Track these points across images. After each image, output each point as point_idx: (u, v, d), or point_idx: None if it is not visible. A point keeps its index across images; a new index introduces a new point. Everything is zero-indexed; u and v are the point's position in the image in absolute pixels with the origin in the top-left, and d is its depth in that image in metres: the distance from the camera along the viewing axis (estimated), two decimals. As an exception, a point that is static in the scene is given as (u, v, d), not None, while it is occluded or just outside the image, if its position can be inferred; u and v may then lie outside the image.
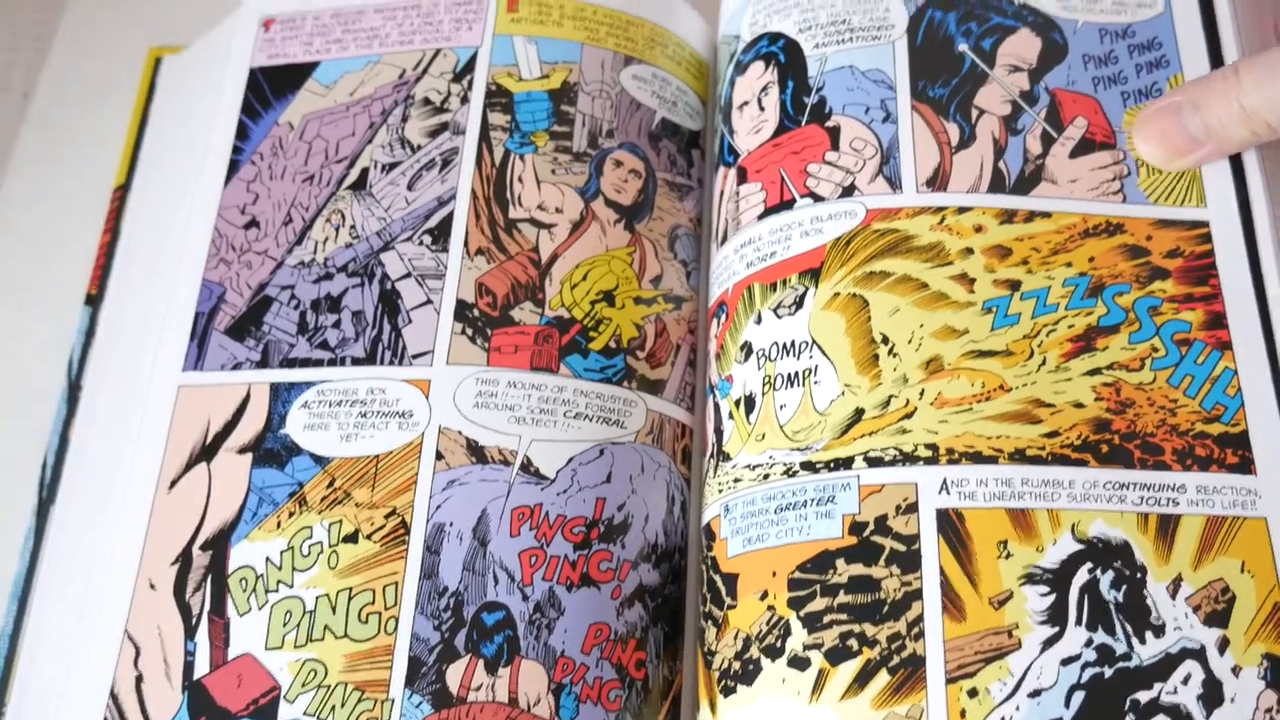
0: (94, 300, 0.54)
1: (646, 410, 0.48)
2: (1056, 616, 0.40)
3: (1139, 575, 0.40)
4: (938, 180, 0.47)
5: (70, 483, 0.50)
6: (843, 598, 0.41)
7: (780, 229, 0.48)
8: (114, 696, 0.44)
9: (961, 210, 0.46)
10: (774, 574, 0.43)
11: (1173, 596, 0.40)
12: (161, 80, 0.59)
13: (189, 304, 0.50)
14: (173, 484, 0.47)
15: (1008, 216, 0.46)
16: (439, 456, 0.46)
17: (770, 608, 0.42)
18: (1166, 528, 0.41)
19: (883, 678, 0.40)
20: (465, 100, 0.53)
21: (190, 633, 0.44)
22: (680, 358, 0.50)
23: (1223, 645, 0.39)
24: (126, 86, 0.60)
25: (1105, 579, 0.40)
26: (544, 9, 0.54)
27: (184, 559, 0.46)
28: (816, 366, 0.45)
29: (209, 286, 0.51)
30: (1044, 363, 0.44)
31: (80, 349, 0.53)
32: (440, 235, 0.50)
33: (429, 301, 0.49)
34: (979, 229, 0.46)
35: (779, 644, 0.42)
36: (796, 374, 0.45)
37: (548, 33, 0.54)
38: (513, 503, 0.45)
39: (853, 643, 0.41)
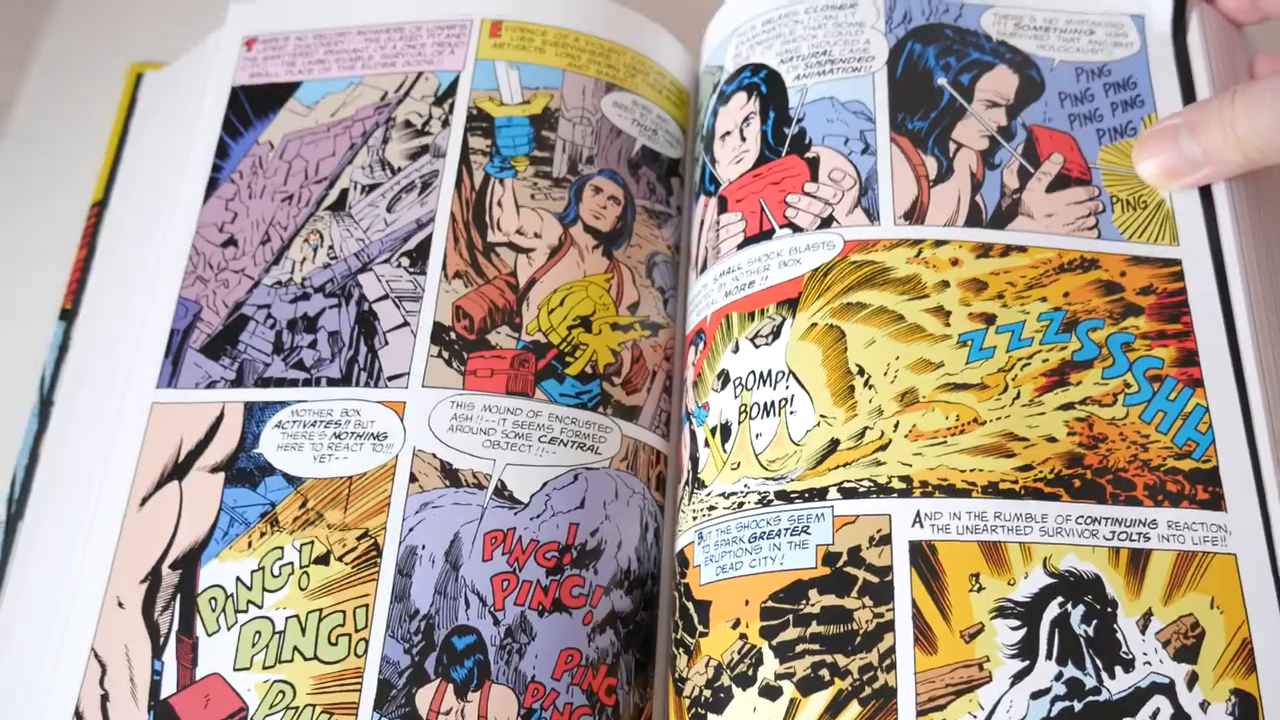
0: (68, 315, 0.54)
1: (621, 436, 0.48)
2: (1027, 650, 0.40)
3: (1110, 610, 0.41)
4: (915, 213, 0.47)
5: (39, 499, 0.50)
6: (815, 628, 0.41)
7: (759, 259, 0.48)
8: (79, 715, 0.43)
9: (938, 243, 0.47)
10: (747, 603, 0.43)
11: (1143, 631, 0.40)
12: (142, 97, 0.59)
13: (164, 321, 0.50)
14: (143, 502, 0.47)
15: (984, 250, 0.46)
16: (413, 479, 0.46)
17: (742, 636, 0.42)
18: (1137, 563, 0.41)
19: (854, 709, 0.40)
20: (446, 124, 0.53)
21: (158, 652, 0.44)
22: (656, 384, 0.50)
23: (1191, 680, 0.39)
24: (107, 102, 0.60)
25: (1076, 613, 0.40)
26: (526, 35, 0.54)
27: (153, 577, 0.45)
28: (792, 396, 0.45)
29: (185, 304, 0.50)
30: (1018, 396, 0.44)
31: (53, 364, 0.53)
32: (418, 258, 0.50)
33: (406, 324, 0.49)
34: (955, 262, 0.46)
35: (750, 673, 0.42)
36: (772, 403, 0.45)
37: (530, 58, 0.54)
38: (486, 527, 0.45)
39: (824, 673, 0.41)
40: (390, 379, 0.48)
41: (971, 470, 0.43)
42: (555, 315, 0.49)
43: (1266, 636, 0.40)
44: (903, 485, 0.43)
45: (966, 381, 0.44)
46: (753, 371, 0.46)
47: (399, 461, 0.46)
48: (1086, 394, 0.44)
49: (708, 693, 0.43)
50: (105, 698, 0.44)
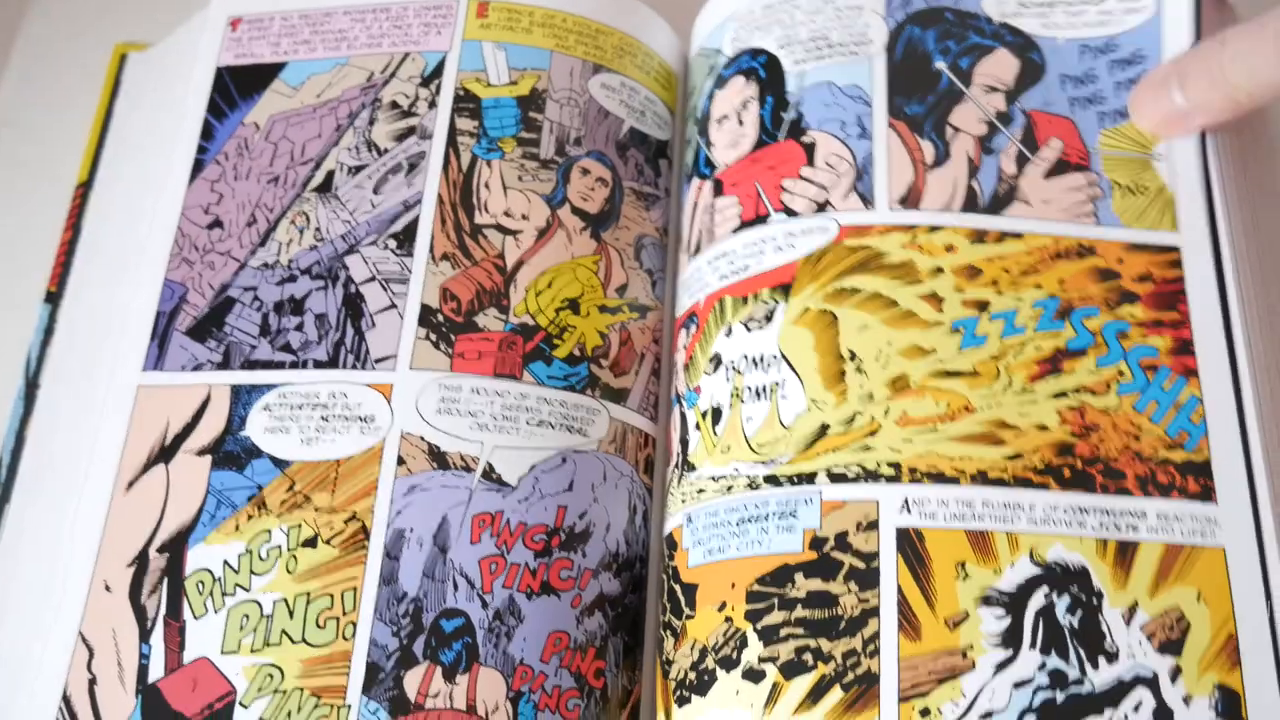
0: (53, 298, 0.54)
1: (609, 419, 0.48)
2: (1011, 639, 0.40)
3: (1095, 601, 0.40)
4: (910, 198, 0.47)
5: (26, 482, 0.49)
6: (800, 612, 0.41)
7: (754, 243, 0.48)
8: (66, 699, 0.43)
9: (933, 229, 0.46)
10: (733, 586, 0.43)
11: (1127, 623, 0.40)
12: (126, 77, 0.59)
13: (150, 303, 0.50)
14: (130, 485, 0.47)
15: (979, 236, 0.46)
16: (400, 462, 0.46)
17: (728, 619, 0.42)
18: (1125, 554, 0.41)
19: (836, 694, 0.40)
20: (433, 105, 0.52)
21: (145, 635, 0.44)
22: (644, 367, 0.50)
23: (1175, 674, 0.39)
24: (90, 86, 0.60)
25: (1061, 603, 0.40)
26: (514, 15, 0.54)
27: (140, 561, 0.45)
28: (784, 381, 0.45)
29: (171, 286, 0.50)
30: (1010, 384, 0.44)
31: (39, 347, 0.52)
32: (405, 239, 0.50)
33: (393, 306, 0.48)
34: (950, 248, 0.46)
35: (735, 656, 0.42)
36: (764, 387, 0.45)
37: (517, 39, 0.54)
38: (474, 509, 0.45)
39: (808, 657, 0.41)
40: (377, 361, 0.47)
41: (960, 458, 0.43)
42: (543, 297, 0.49)
43: (1252, 631, 0.40)
44: (891, 471, 0.43)
45: (959, 369, 0.44)
46: (745, 355, 0.46)
47: (386, 444, 0.46)
48: (1080, 383, 0.44)
49: (693, 675, 0.43)
50: (93, 681, 0.44)
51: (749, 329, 0.46)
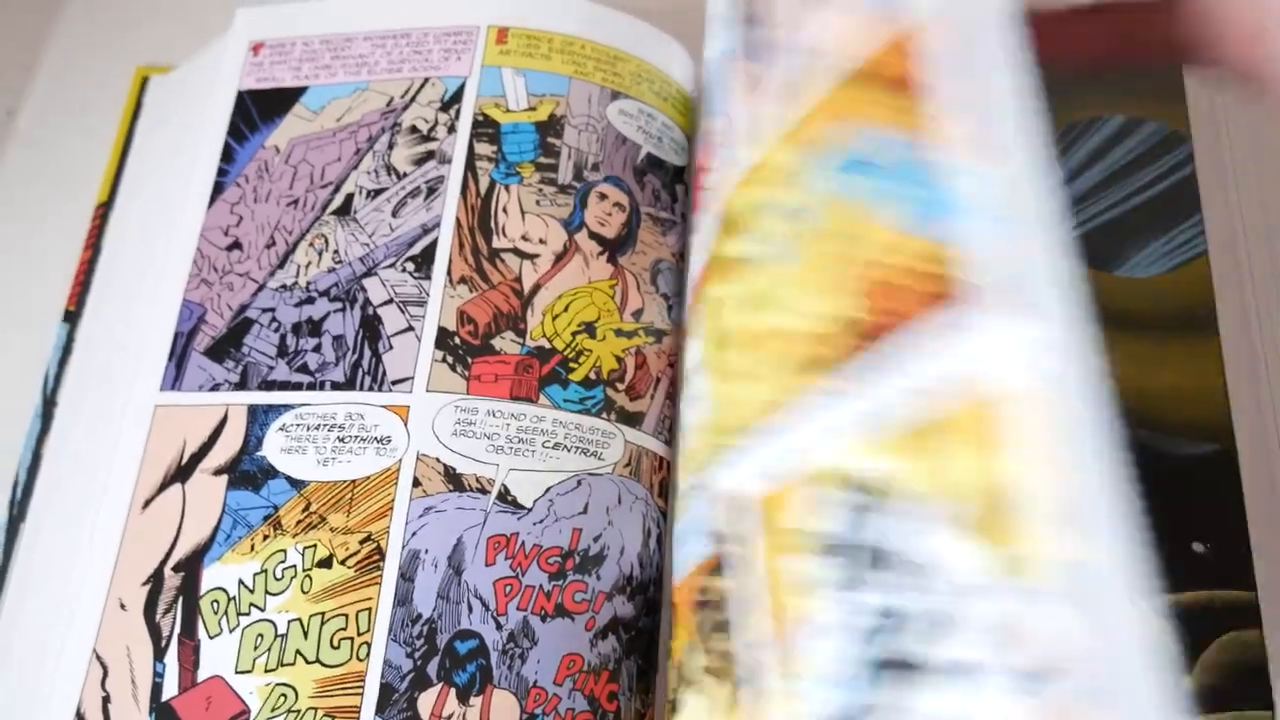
0: (72, 317, 0.54)
1: (625, 442, 0.48)
2: (840, 587, 0.30)
3: (907, 514, 0.28)
4: (747, 132, 0.40)
5: (41, 501, 0.50)
6: (714, 615, 0.40)
7: None
8: (80, 717, 0.43)
9: (764, 149, 0.38)
10: (688, 602, 0.43)
11: (948, 528, 0.27)
12: (148, 100, 0.59)
13: (168, 323, 0.50)
14: (146, 504, 0.47)
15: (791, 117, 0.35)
16: (416, 483, 0.46)
17: (687, 634, 0.42)
18: (927, 437, 0.28)
19: (745, 693, 0.36)
20: (452, 130, 0.53)
21: (160, 654, 0.44)
22: (660, 391, 0.50)
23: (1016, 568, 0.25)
24: (113, 106, 0.60)
25: (870, 529, 0.29)
26: (533, 42, 0.55)
27: (155, 580, 0.45)
28: (703, 385, 0.44)
29: (189, 306, 0.50)
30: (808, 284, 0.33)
31: (56, 365, 0.53)
32: (423, 262, 0.50)
33: (410, 328, 0.49)
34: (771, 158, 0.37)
35: (691, 673, 0.42)
36: (697, 396, 0.45)
37: (536, 66, 0.54)
38: (489, 531, 0.45)
39: (719, 662, 0.39)
40: (394, 383, 0.48)
41: (770, 401, 0.35)
42: (560, 321, 0.49)
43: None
44: (734, 441, 0.38)
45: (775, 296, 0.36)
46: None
47: (402, 466, 0.46)
48: (870, 240, 0.31)
49: (673, 696, 0.43)
50: (107, 700, 0.44)
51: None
